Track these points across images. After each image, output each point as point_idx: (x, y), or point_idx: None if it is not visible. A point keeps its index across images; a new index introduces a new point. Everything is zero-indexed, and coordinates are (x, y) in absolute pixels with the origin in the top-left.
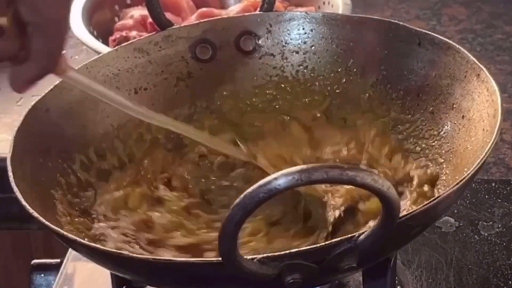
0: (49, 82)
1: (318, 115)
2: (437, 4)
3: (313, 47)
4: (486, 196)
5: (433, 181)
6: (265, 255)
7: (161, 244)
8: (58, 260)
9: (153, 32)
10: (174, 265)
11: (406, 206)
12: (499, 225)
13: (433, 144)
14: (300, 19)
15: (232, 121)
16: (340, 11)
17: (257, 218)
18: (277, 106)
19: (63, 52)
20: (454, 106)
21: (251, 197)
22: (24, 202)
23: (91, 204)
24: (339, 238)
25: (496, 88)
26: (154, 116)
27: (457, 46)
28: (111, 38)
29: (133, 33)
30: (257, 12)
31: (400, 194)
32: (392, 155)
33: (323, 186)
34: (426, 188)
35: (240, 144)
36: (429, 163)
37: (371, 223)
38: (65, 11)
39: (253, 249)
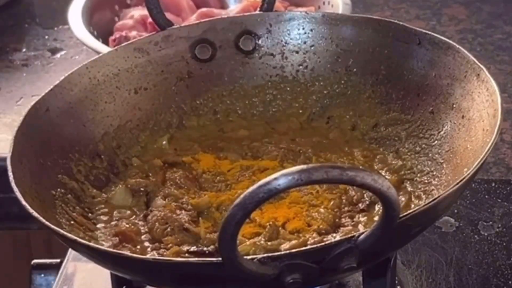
0: (49, 82)
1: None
2: (437, 4)
3: (313, 47)
4: (486, 196)
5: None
6: (265, 255)
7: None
8: (58, 260)
9: (153, 32)
10: (174, 265)
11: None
12: (499, 225)
13: (433, 144)
14: (300, 19)
15: (232, 120)
16: (340, 11)
17: None
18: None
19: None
20: (454, 106)
21: (251, 197)
22: (24, 202)
23: (91, 204)
24: (339, 238)
25: (496, 88)
26: None
27: (457, 46)
28: (111, 38)
29: (133, 33)
30: (257, 12)
31: None
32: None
33: None
34: None
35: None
36: (429, 163)
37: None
38: None
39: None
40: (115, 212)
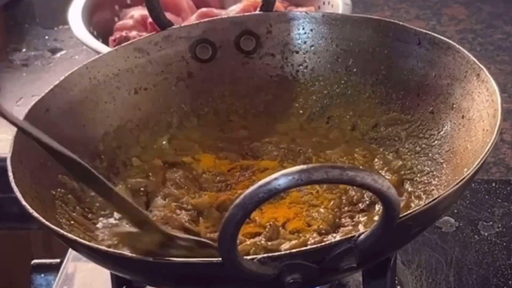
0: (49, 82)
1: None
2: (437, 4)
3: (313, 47)
4: (486, 196)
5: None
6: (265, 255)
7: None
8: (58, 260)
9: (153, 32)
10: (174, 265)
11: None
12: (499, 225)
13: (433, 144)
14: (300, 19)
15: (232, 120)
16: (340, 11)
17: None
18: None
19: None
20: (454, 106)
21: (251, 197)
22: (24, 202)
23: (91, 204)
24: (339, 238)
25: (496, 88)
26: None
27: (457, 46)
28: (111, 38)
29: (133, 33)
30: (257, 12)
31: None
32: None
33: None
34: None
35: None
36: (429, 163)
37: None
38: None
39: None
40: (115, 212)
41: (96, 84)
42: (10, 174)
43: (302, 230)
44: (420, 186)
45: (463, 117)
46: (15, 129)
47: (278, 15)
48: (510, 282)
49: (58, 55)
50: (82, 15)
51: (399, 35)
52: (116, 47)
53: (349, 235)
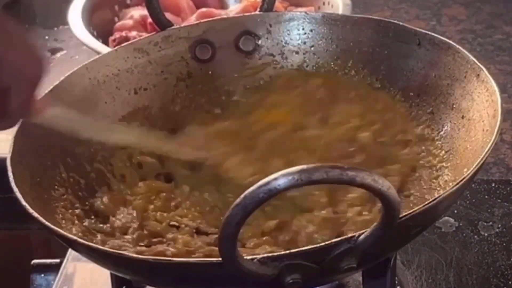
0: (49, 82)
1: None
2: (437, 4)
3: (313, 47)
4: (486, 196)
5: None
6: (265, 255)
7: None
8: (58, 260)
9: (153, 32)
10: (174, 265)
11: None
12: (499, 225)
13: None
14: (300, 19)
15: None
16: (340, 11)
17: None
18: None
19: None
20: (454, 106)
21: (251, 197)
22: (24, 202)
23: (91, 204)
24: (339, 238)
25: (496, 88)
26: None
27: (457, 46)
28: (111, 38)
29: (133, 33)
30: (257, 12)
31: None
32: None
33: None
34: None
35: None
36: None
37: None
38: (41, 72)
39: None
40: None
41: (96, 84)
42: (10, 174)
43: None
44: None
45: (463, 117)
46: (15, 129)
47: (278, 15)
48: (510, 282)
49: (58, 55)
50: (82, 15)
51: (399, 36)
52: (116, 47)
53: (349, 235)
